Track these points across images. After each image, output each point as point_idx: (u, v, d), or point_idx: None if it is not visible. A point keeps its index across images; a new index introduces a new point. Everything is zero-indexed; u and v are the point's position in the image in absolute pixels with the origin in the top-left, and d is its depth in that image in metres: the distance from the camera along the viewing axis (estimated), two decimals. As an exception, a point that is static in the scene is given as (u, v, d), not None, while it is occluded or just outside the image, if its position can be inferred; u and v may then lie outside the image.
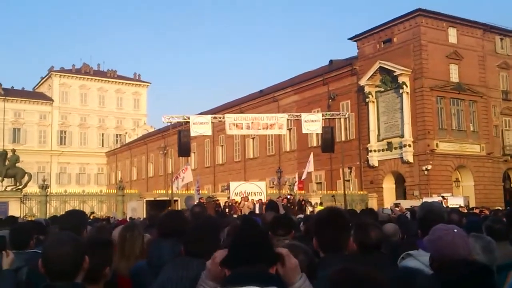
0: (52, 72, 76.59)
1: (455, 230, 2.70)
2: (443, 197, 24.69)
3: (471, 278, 2.42)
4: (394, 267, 2.95)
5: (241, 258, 1.96)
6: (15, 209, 27.62)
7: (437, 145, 34.07)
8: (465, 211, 12.93)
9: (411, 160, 34.29)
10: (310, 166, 28.79)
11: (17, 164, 29.96)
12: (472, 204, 28.76)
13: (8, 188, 29.97)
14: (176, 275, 2.75)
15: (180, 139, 27.73)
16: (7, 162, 29.58)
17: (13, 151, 30.63)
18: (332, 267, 2.32)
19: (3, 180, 29.95)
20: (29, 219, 19.18)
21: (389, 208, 10.60)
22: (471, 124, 36.46)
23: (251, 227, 2.10)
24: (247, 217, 4.92)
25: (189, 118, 28.14)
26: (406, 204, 20.92)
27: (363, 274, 1.52)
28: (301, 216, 9.87)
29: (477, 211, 14.44)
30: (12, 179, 30.03)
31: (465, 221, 6.15)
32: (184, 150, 28.03)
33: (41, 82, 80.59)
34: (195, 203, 25.20)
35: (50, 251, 2.40)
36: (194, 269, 2.71)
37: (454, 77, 35.88)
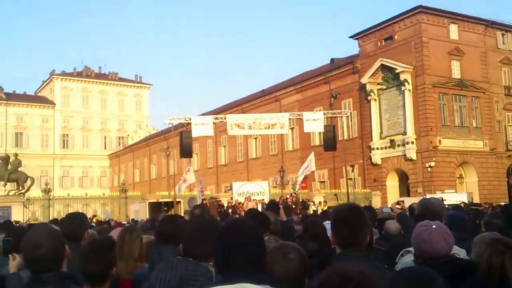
0: (53, 76, 76.79)
1: (434, 226, 2.69)
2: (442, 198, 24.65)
3: (453, 276, 2.40)
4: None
5: (232, 259, 1.94)
6: (18, 213, 27.73)
7: (440, 142, 34.01)
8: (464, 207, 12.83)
9: (414, 157, 34.23)
10: (311, 166, 28.76)
11: (19, 168, 30.07)
12: (476, 200, 28.70)
13: (11, 193, 30.08)
14: (165, 276, 2.74)
15: (182, 140, 27.77)
16: (9, 167, 29.70)
17: (16, 155, 30.74)
18: (348, 263, 2.31)
19: (5, 184, 30.05)
20: (32, 223, 19.23)
21: (389, 207, 10.56)
22: (473, 120, 36.38)
23: (242, 228, 2.08)
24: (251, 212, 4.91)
25: (190, 119, 28.18)
26: (409, 201, 20.89)
27: (353, 272, 1.50)
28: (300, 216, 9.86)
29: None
30: (15, 183, 30.13)
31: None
32: (186, 151, 28.07)
33: (43, 86, 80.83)
34: (197, 204, 25.29)
35: (27, 243, 2.40)
36: (182, 269, 2.71)
37: (456, 73, 35.82)
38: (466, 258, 3.12)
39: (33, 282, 2.36)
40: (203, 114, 42.99)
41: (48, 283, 2.32)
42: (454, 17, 36.54)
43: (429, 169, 33.21)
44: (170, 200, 29.84)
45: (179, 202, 29.31)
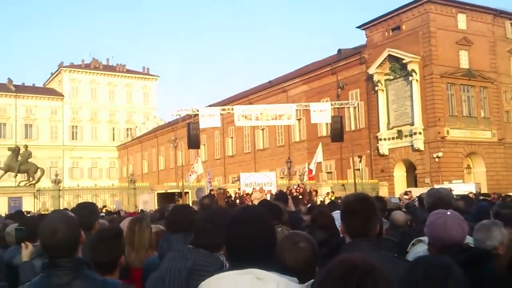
0: (62, 68, 77.00)
1: (448, 213, 2.70)
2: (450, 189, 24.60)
3: (467, 265, 2.41)
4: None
5: (242, 247, 1.97)
6: (28, 204, 28.01)
7: (447, 132, 33.86)
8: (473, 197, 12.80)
9: (421, 148, 34.12)
10: (319, 157, 28.76)
11: (29, 160, 30.33)
12: (484, 190, 28.60)
13: (22, 184, 30.36)
14: (175, 265, 2.75)
15: (190, 132, 27.87)
16: (19, 158, 29.94)
17: (26, 146, 31.00)
18: (358, 252, 2.32)
19: (16, 175, 30.35)
20: (43, 213, 19.43)
21: (397, 197, 10.56)
22: (482, 110, 36.15)
23: (252, 216, 2.09)
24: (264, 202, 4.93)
25: (198, 111, 28.24)
26: (417, 192, 20.84)
27: (358, 261, 1.53)
28: (309, 205, 9.91)
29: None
30: (25, 174, 30.39)
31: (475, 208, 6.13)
32: (193, 143, 28.17)
33: (52, 78, 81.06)
34: (206, 194, 25.43)
35: (45, 229, 2.46)
36: (192, 259, 2.71)
37: (464, 63, 35.55)
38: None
39: (48, 266, 2.42)
40: (210, 106, 43.02)
41: (63, 268, 2.38)
42: (462, 6, 36.18)
43: (436, 159, 33.10)
44: (179, 190, 30.04)
45: (187, 192, 29.49)
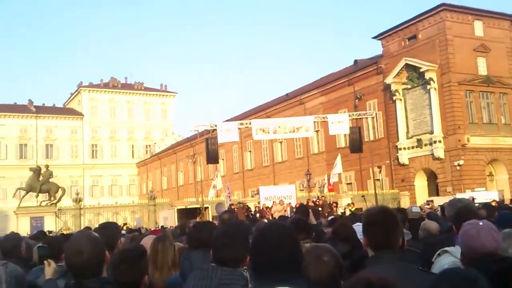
0: (81, 88, 78.21)
1: (481, 224, 2.70)
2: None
3: (501, 276, 2.39)
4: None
5: (269, 263, 1.96)
6: (50, 223, 28.35)
7: (468, 140, 33.44)
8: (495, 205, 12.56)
9: (442, 156, 33.75)
10: (337, 168, 28.61)
11: (50, 179, 30.73)
12: (508, 197, 28.10)
13: (43, 203, 30.75)
14: (199, 285, 2.70)
15: (208, 147, 27.94)
16: (41, 178, 30.36)
17: (47, 166, 31.44)
18: (382, 265, 2.32)
19: (38, 195, 30.73)
20: (65, 232, 19.61)
21: (418, 206, 10.42)
22: (502, 117, 35.70)
23: (278, 231, 2.08)
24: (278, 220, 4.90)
25: (216, 126, 28.34)
26: (439, 201, 20.59)
27: (374, 278, 1.53)
28: (333, 217, 9.83)
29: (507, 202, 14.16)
30: (47, 194, 30.79)
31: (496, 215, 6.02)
32: (212, 158, 28.23)
33: (71, 98, 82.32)
34: (226, 209, 25.43)
35: (70, 249, 2.49)
36: (216, 278, 2.66)
37: (482, 70, 35.22)
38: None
39: (74, 287, 2.44)
40: (228, 120, 43.21)
41: None
42: (479, 13, 35.96)
43: (458, 167, 32.68)
44: (198, 206, 30.09)
45: (207, 207, 29.53)
